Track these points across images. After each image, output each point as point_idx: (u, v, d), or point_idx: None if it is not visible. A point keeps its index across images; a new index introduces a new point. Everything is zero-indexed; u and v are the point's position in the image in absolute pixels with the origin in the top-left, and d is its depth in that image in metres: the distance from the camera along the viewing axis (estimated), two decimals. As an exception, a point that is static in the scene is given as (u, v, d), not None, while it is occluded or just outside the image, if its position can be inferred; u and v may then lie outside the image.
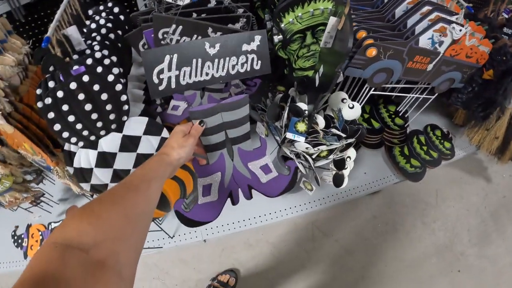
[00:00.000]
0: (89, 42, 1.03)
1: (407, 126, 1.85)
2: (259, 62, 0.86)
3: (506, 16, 1.74)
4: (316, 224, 1.74)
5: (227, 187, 0.96)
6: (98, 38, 1.03)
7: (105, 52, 0.99)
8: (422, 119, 1.98)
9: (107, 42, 1.03)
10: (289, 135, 1.18)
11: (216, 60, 0.82)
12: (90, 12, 1.13)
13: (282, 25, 1.04)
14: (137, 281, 1.57)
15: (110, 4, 1.14)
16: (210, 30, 0.87)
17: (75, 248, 0.42)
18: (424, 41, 1.37)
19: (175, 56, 0.80)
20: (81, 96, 0.91)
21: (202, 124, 0.85)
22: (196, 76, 0.83)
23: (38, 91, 0.93)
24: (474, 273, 1.72)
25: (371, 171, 1.84)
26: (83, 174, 1.09)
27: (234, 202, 0.99)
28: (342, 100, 1.29)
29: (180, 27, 0.86)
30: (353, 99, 1.51)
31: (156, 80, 0.83)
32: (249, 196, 0.99)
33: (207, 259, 1.62)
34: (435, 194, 1.93)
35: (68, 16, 1.05)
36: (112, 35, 1.06)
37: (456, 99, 1.70)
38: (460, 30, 1.36)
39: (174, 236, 1.56)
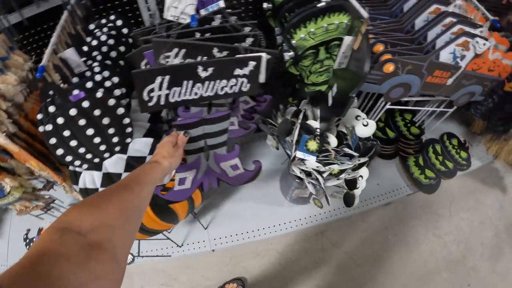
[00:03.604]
0: (89, 62, 0.98)
1: (423, 136, 1.79)
2: (248, 85, 0.86)
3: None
4: (325, 235, 1.72)
5: (199, 179, 1.10)
6: (99, 57, 0.99)
7: (106, 73, 0.95)
8: (439, 126, 1.90)
9: (108, 62, 0.99)
10: (299, 154, 1.14)
11: (207, 82, 0.83)
12: (92, 26, 1.08)
13: (293, 42, 0.98)
14: (145, 287, 1.59)
15: (112, 17, 1.08)
16: (215, 50, 0.83)
17: (74, 231, 0.46)
18: (445, 56, 1.28)
19: (167, 77, 0.80)
20: (82, 122, 0.87)
21: (186, 135, 0.95)
22: (185, 95, 0.85)
23: (39, 116, 0.90)
24: (484, 288, 1.68)
25: (384, 182, 1.80)
26: (88, 194, 1.08)
27: (204, 189, 1.15)
28: (356, 117, 1.25)
29: (183, 50, 0.82)
30: (368, 112, 1.46)
31: (146, 98, 0.84)
32: (216, 185, 1.14)
33: (215, 266, 1.62)
34: (448, 206, 1.88)
35: (66, 37, 1.01)
36: (114, 53, 1.01)
37: (475, 111, 1.62)
38: (484, 44, 1.27)
39: (182, 245, 1.57)
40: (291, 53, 1.00)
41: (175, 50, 0.83)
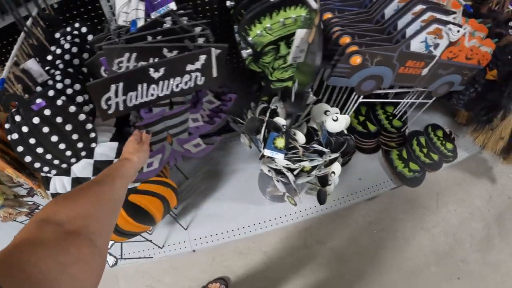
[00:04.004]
0: (52, 71, 0.99)
1: (406, 128, 1.77)
2: (203, 78, 0.88)
3: (513, 9, 1.59)
4: (309, 232, 1.71)
5: (165, 159, 1.18)
6: (61, 66, 1.00)
7: (67, 81, 0.96)
8: (423, 118, 1.86)
9: (70, 70, 1.00)
10: (267, 152, 1.14)
11: (161, 83, 0.85)
12: (58, 35, 1.10)
13: (250, 39, 0.97)
14: (130, 288, 1.61)
15: (77, 25, 1.09)
16: (165, 50, 0.84)
17: (51, 222, 0.48)
18: (416, 45, 1.25)
19: (121, 84, 0.83)
20: (45, 129, 0.90)
21: (149, 133, 1.00)
22: (142, 98, 0.88)
23: (7, 126, 0.92)
24: (474, 280, 1.65)
25: (366, 177, 1.78)
26: (60, 199, 1.10)
27: (169, 165, 1.28)
28: (325, 112, 1.23)
29: (134, 53, 0.83)
30: (343, 107, 1.45)
31: (104, 106, 0.87)
32: (181, 160, 1.25)
33: (199, 267, 1.63)
34: (435, 198, 1.85)
35: (28, 48, 1.02)
36: (76, 61, 1.02)
37: (457, 101, 1.58)
38: (458, 31, 1.23)
39: (163, 246, 1.58)
40: (249, 50, 1.00)
41: (126, 55, 0.84)
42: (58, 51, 1.04)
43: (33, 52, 1.03)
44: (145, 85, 0.85)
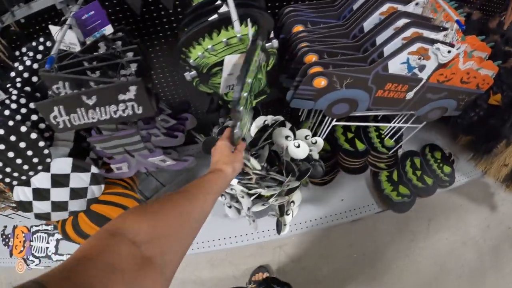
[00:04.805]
0: (11, 89, 1.03)
1: (399, 149, 1.63)
2: (141, 107, 0.87)
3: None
4: (284, 249, 1.67)
5: (134, 167, 1.19)
6: (19, 84, 1.03)
7: (22, 100, 1.01)
8: (422, 136, 1.72)
9: (27, 89, 1.03)
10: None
11: (97, 108, 0.86)
12: (24, 49, 1.12)
13: (191, 61, 0.92)
14: None
15: (42, 39, 1.11)
16: (92, 83, 0.84)
17: (128, 239, 0.44)
18: (396, 67, 1.09)
19: (61, 106, 0.86)
20: (1, 147, 0.97)
21: (244, 140, 0.93)
22: (84, 119, 0.89)
23: None
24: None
25: (349, 198, 1.67)
26: (24, 206, 1.16)
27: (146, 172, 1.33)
28: (286, 137, 1.16)
29: (67, 82, 0.83)
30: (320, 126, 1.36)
31: (54, 122, 0.90)
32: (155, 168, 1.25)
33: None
34: (427, 224, 1.71)
35: None
36: (35, 78, 1.05)
37: (455, 124, 1.41)
38: (449, 52, 1.06)
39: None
40: (192, 72, 0.94)
41: (60, 82, 0.84)
42: (20, 67, 1.08)
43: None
44: (83, 109, 0.87)
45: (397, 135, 1.59)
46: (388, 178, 1.68)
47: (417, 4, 1.17)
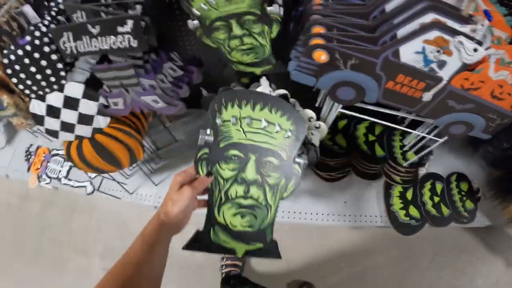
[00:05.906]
0: (46, 16, 1.13)
1: (422, 166, 1.48)
2: (135, 41, 0.96)
3: None
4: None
5: (129, 105, 1.24)
6: (53, 13, 1.14)
7: (53, 26, 1.10)
8: (452, 161, 1.55)
9: (60, 18, 1.13)
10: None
11: (99, 38, 0.98)
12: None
13: (194, 10, 0.91)
14: (102, 224, 1.75)
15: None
16: (103, 14, 0.96)
17: None
18: (409, 56, 0.91)
19: (70, 33, 1.00)
20: (26, 61, 1.11)
21: (209, 176, 0.82)
22: (88, 47, 1.03)
23: (5, 51, 1.14)
24: None
25: (353, 202, 1.55)
26: (37, 119, 1.26)
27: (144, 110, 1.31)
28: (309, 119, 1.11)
29: (83, 12, 0.98)
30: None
31: (62, 47, 1.05)
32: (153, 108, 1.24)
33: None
34: (430, 257, 1.55)
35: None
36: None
37: (485, 153, 1.25)
38: (475, 50, 0.84)
39: (133, 193, 1.69)
40: (195, 21, 0.95)
41: (79, 12, 0.99)
42: (52, 3, 1.18)
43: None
44: (87, 37, 1.00)
45: (422, 153, 1.44)
46: (401, 194, 1.54)
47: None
